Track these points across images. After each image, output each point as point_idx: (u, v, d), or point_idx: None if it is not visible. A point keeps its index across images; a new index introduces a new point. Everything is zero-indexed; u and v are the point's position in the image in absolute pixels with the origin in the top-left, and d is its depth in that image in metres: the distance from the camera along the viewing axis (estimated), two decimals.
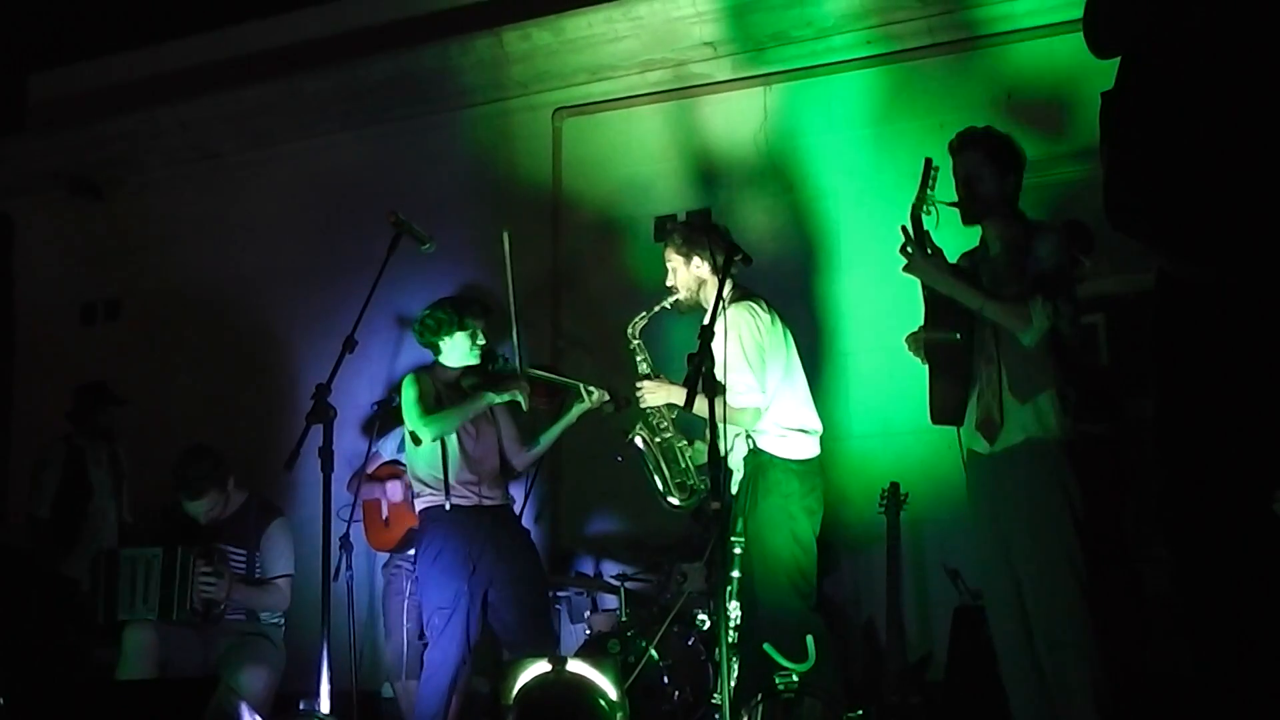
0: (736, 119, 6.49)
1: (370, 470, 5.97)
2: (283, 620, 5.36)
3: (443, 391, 5.08)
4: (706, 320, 3.88)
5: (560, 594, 5.91)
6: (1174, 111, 2.26)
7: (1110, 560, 4.28)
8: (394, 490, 5.86)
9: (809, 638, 4.12)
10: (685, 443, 4.82)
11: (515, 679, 4.21)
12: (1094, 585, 3.82)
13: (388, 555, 5.98)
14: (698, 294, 4.75)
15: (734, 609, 4.02)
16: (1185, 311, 2.32)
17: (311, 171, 7.50)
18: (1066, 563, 3.82)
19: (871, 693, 5.15)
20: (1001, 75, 5.94)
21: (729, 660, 3.68)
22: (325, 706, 4.17)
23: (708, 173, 6.52)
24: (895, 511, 5.21)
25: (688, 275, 4.77)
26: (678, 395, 4.51)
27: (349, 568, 5.46)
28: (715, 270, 4.61)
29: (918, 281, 4.17)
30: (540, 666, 4.22)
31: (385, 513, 5.92)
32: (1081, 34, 2.48)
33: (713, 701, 3.84)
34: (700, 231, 4.80)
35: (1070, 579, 3.81)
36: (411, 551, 5.52)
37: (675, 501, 4.79)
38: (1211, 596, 2.28)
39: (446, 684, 4.91)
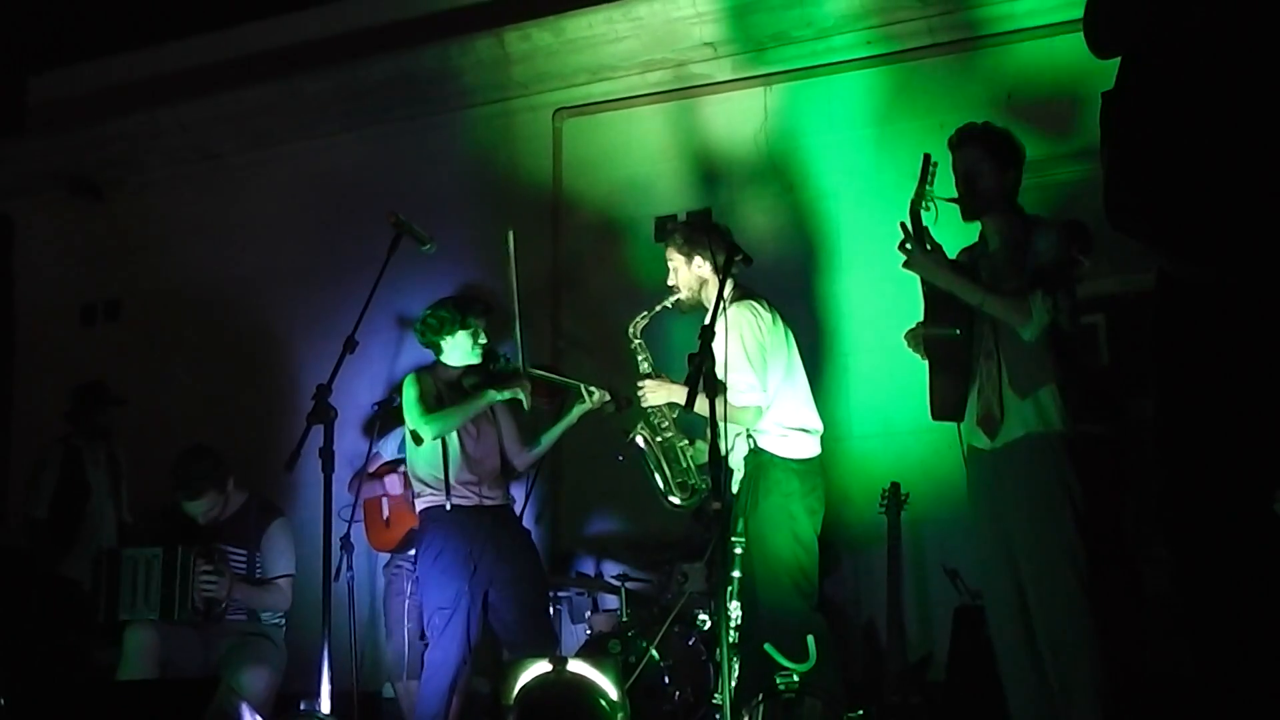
0: (737, 119, 6.49)
1: (371, 470, 5.97)
2: (284, 620, 5.36)
3: (444, 391, 5.09)
4: (707, 320, 3.88)
5: (561, 594, 5.91)
6: (1174, 112, 2.26)
7: (1110, 560, 4.27)
8: (393, 484, 5.86)
9: (810, 638, 4.11)
10: (686, 442, 4.82)
11: (516, 679, 4.21)
12: (1095, 582, 3.82)
13: (389, 556, 5.99)
14: (699, 294, 4.76)
15: (735, 609, 4.01)
16: (1185, 311, 2.32)
17: (312, 172, 7.50)
18: (1067, 558, 3.82)
19: (872, 693, 5.15)
20: (1002, 75, 5.94)
21: (730, 660, 3.68)
22: (326, 707, 4.17)
23: (708, 173, 6.53)
24: (896, 511, 5.21)
25: (689, 275, 4.77)
26: (679, 395, 4.51)
27: (350, 568, 5.47)
28: (716, 270, 4.61)
29: (918, 279, 4.17)
30: (541, 667, 4.22)
31: (386, 513, 5.92)
32: (1082, 34, 2.48)
33: (713, 701, 3.84)
34: (701, 231, 4.80)
35: (1071, 574, 3.81)
36: (412, 552, 5.52)
37: (676, 501, 4.79)
38: (1211, 596, 2.28)
39: (447, 684, 4.91)
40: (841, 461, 5.53)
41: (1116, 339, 5.52)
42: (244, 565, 5.25)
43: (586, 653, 5.18)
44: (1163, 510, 2.34)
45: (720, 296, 4.29)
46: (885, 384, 5.72)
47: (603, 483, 6.16)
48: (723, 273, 4.42)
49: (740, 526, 4.24)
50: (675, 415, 4.81)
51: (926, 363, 4.23)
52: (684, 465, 4.80)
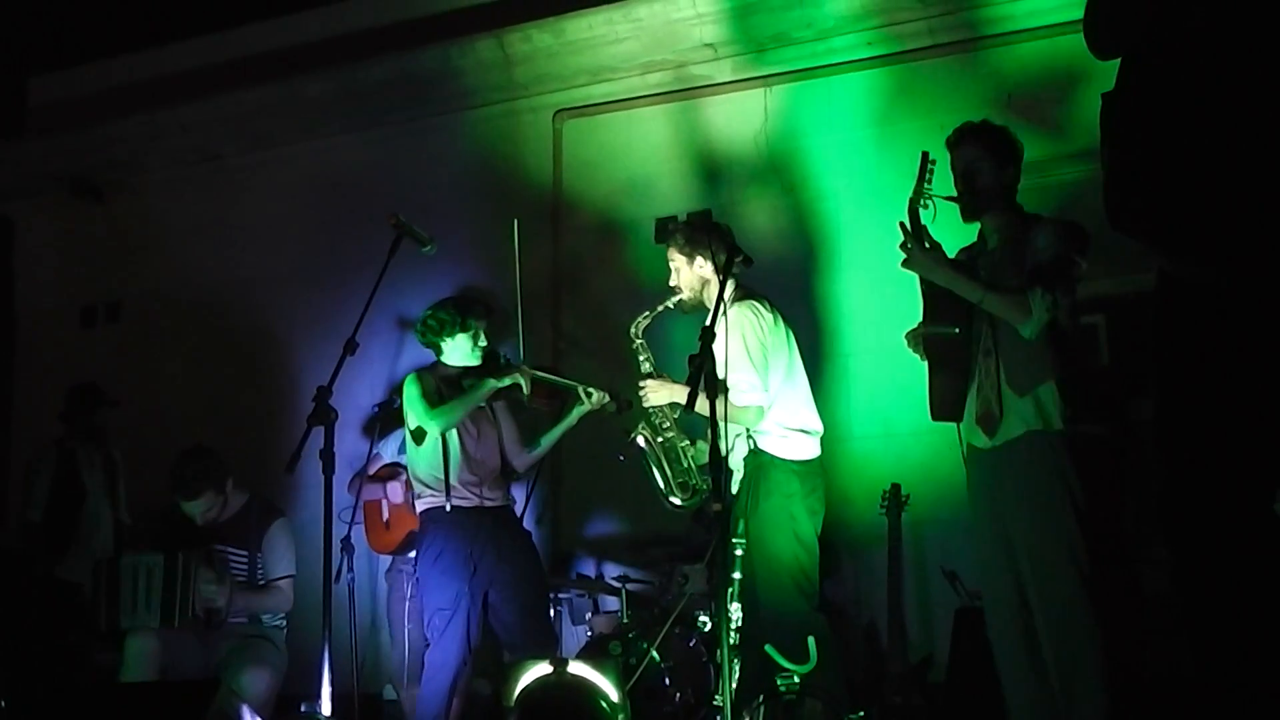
0: (737, 120, 6.50)
1: (371, 472, 5.97)
2: (284, 622, 5.36)
3: (444, 389, 5.08)
4: (708, 321, 3.89)
5: (561, 595, 5.91)
6: (1174, 112, 2.26)
7: (1110, 560, 4.27)
8: (395, 491, 5.86)
9: (810, 639, 4.11)
10: (687, 442, 4.82)
11: (517, 680, 4.21)
12: (1095, 580, 3.82)
13: (389, 560, 5.99)
14: (701, 294, 4.76)
15: (735, 610, 4.01)
16: (1185, 312, 2.32)
17: (312, 173, 7.51)
18: (1068, 556, 3.81)
19: (873, 694, 5.15)
20: (1002, 76, 5.95)
21: (730, 661, 3.68)
22: (326, 708, 4.17)
23: (709, 174, 6.53)
24: (896, 513, 5.21)
25: (691, 275, 4.77)
26: (680, 395, 4.52)
27: (350, 569, 5.46)
28: (718, 271, 4.60)
29: (917, 280, 4.17)
30: (542, 668, 4.22)
31: (386, 514, 5.92)
32: (1082, 35, 2.48)
33: (714, 703, 3.83)
34: (703, 231, 4.80)
35: (1072, 572, 3.80)
36: (412, 554, 5.52)
37: (677, 501, 4.79)
38: (1211, 596, 2.28)
39: (447, 686, 4.91)
40: (842, 463, 5.53)
41: (1116, 339, 5.52)
42: (245, 566, 5.25)
43: (587, 654, 5.18)
44: (1163, 510, 2.34)
45: (721, 297, 4.30)
46: (886, 385, 5.72)
47: (603, 484, 6.17)
48: (724, 273, 4.42)
49: (741, 528, 4.23)
50: (676, 415, 4.80)
51: (926, 363, 4.23)
52: (685, 465, 4.80)
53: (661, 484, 4.79)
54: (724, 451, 3.76)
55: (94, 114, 7.95)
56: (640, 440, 4.79)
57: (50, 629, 6.20)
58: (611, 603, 5.78)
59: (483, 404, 5.14)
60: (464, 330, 5.14)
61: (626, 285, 6.36)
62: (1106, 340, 5.55)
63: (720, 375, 4.11)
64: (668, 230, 5.28)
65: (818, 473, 4.63)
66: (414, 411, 5.03)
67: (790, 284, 5.90)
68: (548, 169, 6.92)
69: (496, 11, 6.95)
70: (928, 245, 4.07)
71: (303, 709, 4.48)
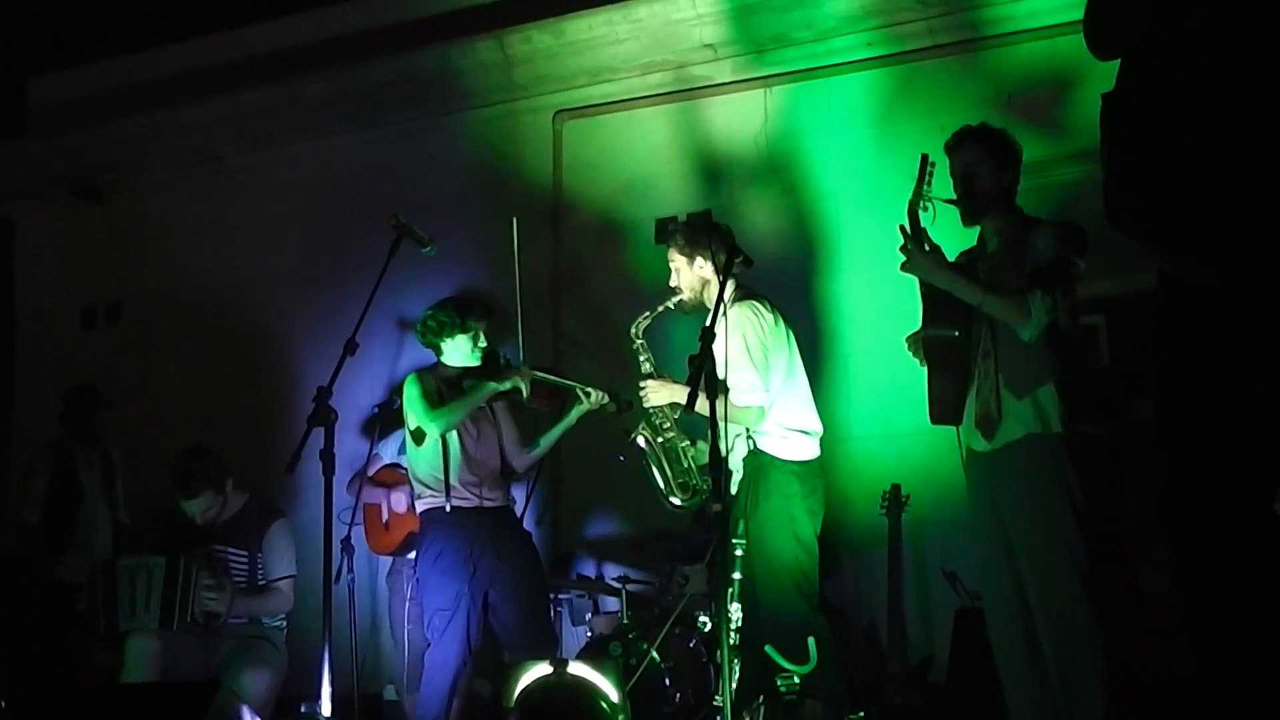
0: (737, 121, 6.50)
1: (371, 473, 5.96)
2: (285, 623, 5.36)
3: (444, 389, 5.09)
4: (708, 321, 3.89)
5: (562, 596, 5.91)
6: (1174, 113, 2.26)
7: (1110, 560, 4.27)
8: (398, 501, 5.85)
9: (810, 639, 4.11)
10: (687, 443, 4.82)
11: (517, 681, 4.21)
12: (1095, 581, 3.82)
13: (390, 562, 5.98)
14: (701, 294, 4.76)
15: (735, 611, 4.01)
16: (1185, 312, 2.32)
17: (312, 174, 7.51)
18: (1068, 557, 3.81)
19: (873, 694, 5.15)
20: (1002, 76, 5.94)
21: (730, 662, 3.68)
22: (327, 709, 4.17)
23: (709, 174, 6.53)
24: (896, 513, 5.21)
25: (691, 276, 4.78)
26: (680, 395, 4.52)
27: (350, 570, 5.45)
28: (718, 271, 4.60)
29: (917, 282, 4.17)
30: (542, 669, 4.22)
31: (385, 516, 5.92)
32: (1082, 35, 2.48)
33: (714, 703, 3.83)
34: (703, 232, 4.80)
35: (1072, 573, 3.80)
36: (412, 555, 5.52)
37: (677, 502, 4.79)
38: (1211, 596, 2.28)
39: (447, 686, 4.91)
40: (842, 463, 5.53)
41: (1116, 339, 5.52)
42: (245, 567, 5.25)
43: (587, 654, 5.18)
44: (1163, 510, 2.34)
45: (721, 297, 4.30)
46: (886, 385, 5.72)
47: (603, 484, 6.16)
48: (724, 274, 4.42)
49: (741, 528, 4.23)
50: (677, 416, 4.81)
51: (925, 367, 4.23)
52: (685, 466, 4.80)
53: (661, 484, 4.79)
54: (724, 452, 3.76)
55: (94, 114, 7.95)
56: (640, 440, 4.80)
57: (50, 629, 6.20)
58: (611, 603, 5.78)
59: (482, 404, 5.14)
60: (464, 331, 5.14)
61: (626, 286, 6.35)
62: (1106, 340, 5.55)
63: (720, 375, 4.11)
64: (668, 231, 5.28)
65: (817, 473, 4.63)
66: (414, 412, 5.03)
67: (790, 284, 5.90)
68: (548, 170, 6.92)
69: (496, 12, 6.95)
70: (927, 248, 4.07)
71: (303, 709, 4.48)
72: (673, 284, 4.84)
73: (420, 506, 5.11)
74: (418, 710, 5.01)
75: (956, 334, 4.08)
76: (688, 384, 3.92)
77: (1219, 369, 2.27)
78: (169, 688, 4.76)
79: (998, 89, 5.90)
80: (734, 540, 4.13)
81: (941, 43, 6.10)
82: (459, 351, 5.17)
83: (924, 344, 4.19)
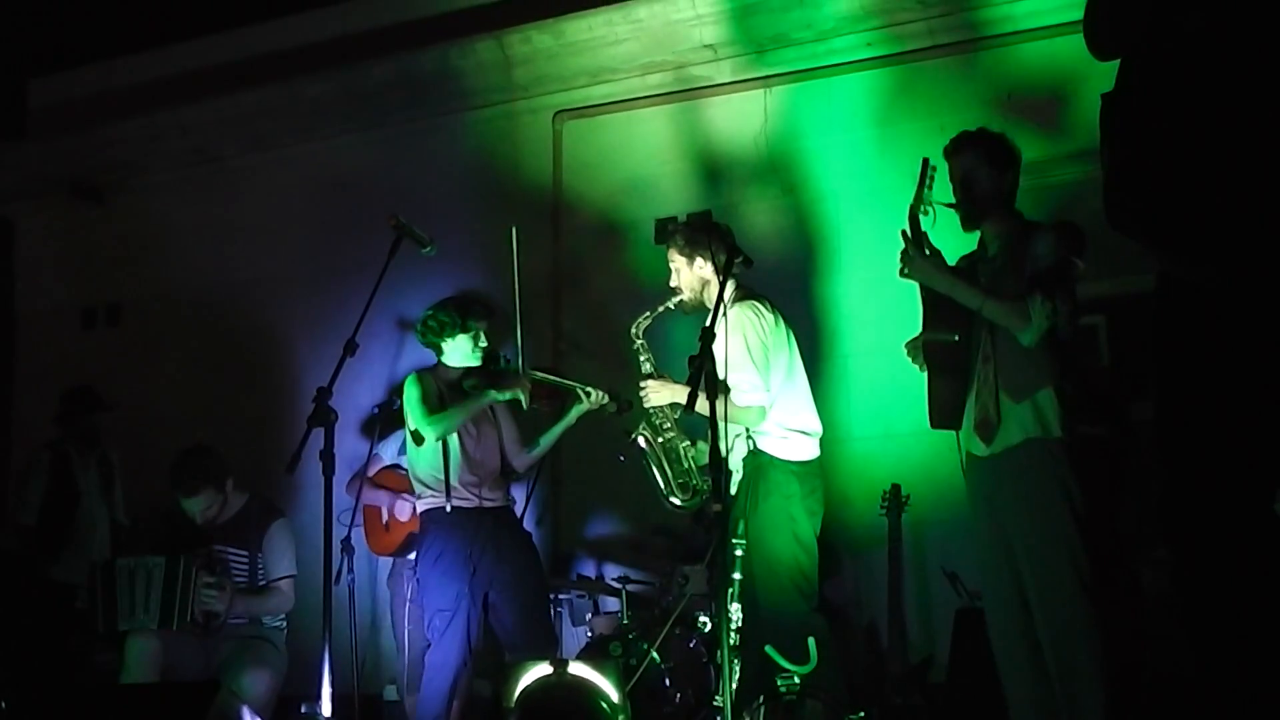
0: (737, 121, 6.50)
1: (371, 473, 5.96)
2: (285, 623, 5.36)
3: (445, 392, 5.09)
4: (708, 322, 3.89)
5: (562, 596, 5.91)
6: (1174, 113, 2.26)
7: (1109, 560, 4.28)
8: (402, 509, 5.85)
9: (810, 639, 4.11)
10: (688, 443, 4.83)
11: (517, 681, 4.21)
12: (1095, 582, 3.82)
13: (391, 564, 5.98)
14: (701, 295, 4.76)
15: (735, 611, 4.02)
16: (1185, 312, 2.32)
17: (312, 175, 7.51)
18: (1068, 558, 3.82)
19: (873, 694, 5.15)
20: (1002, 76, 5.94)
21: (731, 662, 3.68)
22: (327, 709, 4.17)
23: (709, 175, 6.53)
24: (897, 513, 5.21)
25: (691, 276, 4.78)
26: (681, 395, 4.51)
27: (350, 571, 5.45)
28: (718, 271, 4.61)
29: (917, 285, 4.17)
30: (542, 669, 4.22)
31: (386, 517, 5.92)
32: (1081, 35, 2.48)
33: (714, 704, 3.83)
34: (702, 232, 4.80)
35: (1071, 574, 3.81)
36: (413, 556, 5.51)
37: (677, 502, 4.79)
38: (1212, 597, 2.28)
39: (447, 686, 4.91)
40: (842, 463, 5.53)
41: (1116, 340, 5.52)
42: (245, 567, 5.25)
43: (587, 655, 5.18)
44: (1163, 511, 2.34)
45: (721, 298, 4.30)
46: (886, 386, 5.71)
47: (604, 484, 6.16)
48: (723, 274, 4.43)
49: (741, 528, 4.24)
50: (677, 416, 4.81)
51: (925, 371, 4.23)
52: (685, 466, 4.80)
53: (662, 484, 4.79)
54: (724, 452, 3.76)
55: (94, 116, 7.95)
56: (641, 441, 4.80)
57: (49, 630, 6.19)
58: (612, 603, 5.77)
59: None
60: (464, 331, 5.14)
61: (627, 286, 6.35)
62: (1106, 341, 5.55)
63: (721, 376, 4.12)
64: (667, 231, 5.29)
65: (817, 474, 4.63)
66: (412, 415, 5.03)
67: (790, 284, 5.90)
68: (548, 170, 6.92)
69: (496, 13, 6.95)
70: (928, 252, 4.08)
71: (303, 710, 4.48)
72: (673, 284, 4.84)
73: (420, 507, 5.11)
74: (418, 710, 5.01)
75: (956, 338, 4.08)
76: (688, 384, 3.92)
77: (1219, 369, 2.27)
78: (169, 688, 4.76)
79: (997, 89, 5.90)
80: (734, 540, 4.14)
81: (941, 43, 6.09)
82: (460, 351, 5.17)
83: (924, 348, 4.19)
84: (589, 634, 5.67)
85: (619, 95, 6.80)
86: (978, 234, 4.24)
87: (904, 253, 4.08)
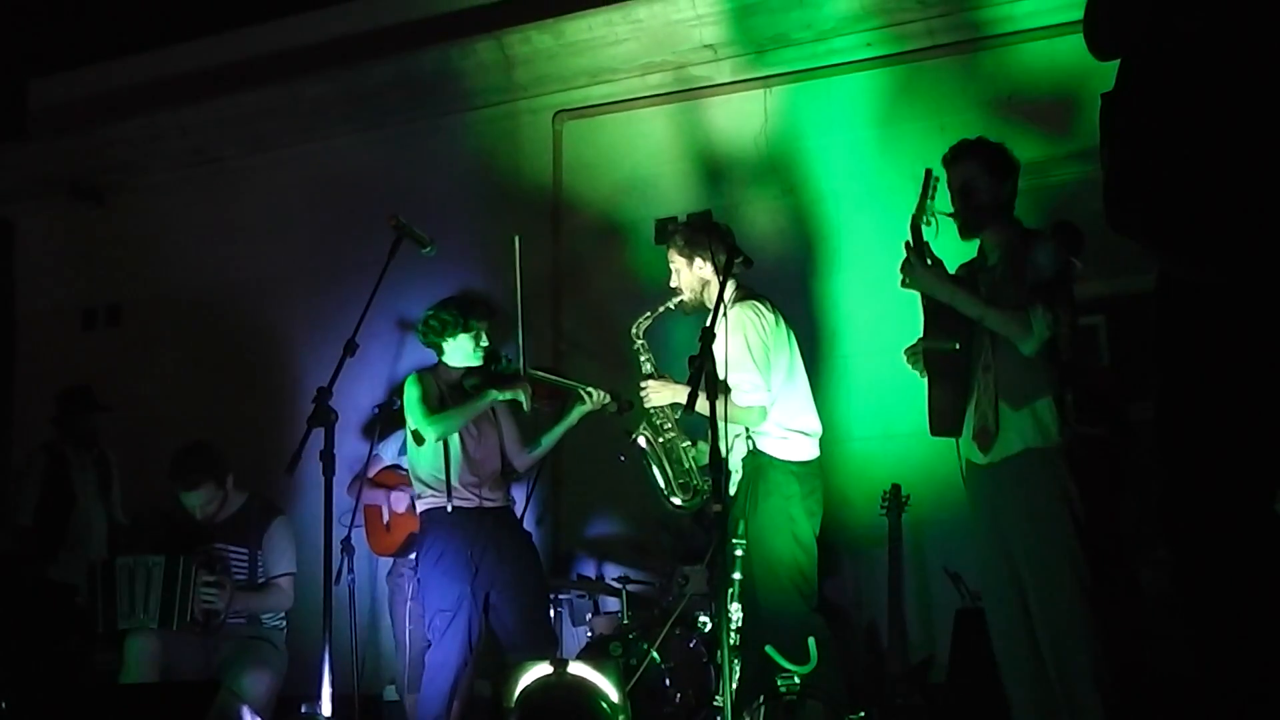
0: (737, 121, 6.50)
1: (371, 474, 5.97)
2: (285, 622, 5.36)
3: (445, 392, 5.09)
4: (708, 322, 3.89)
5: (562, 596, 5.91)
6: (1174, 113, 2.26)
7: (1108, 560, 4.28)
8: (399, 501, 5.85)
9: (810, 639, 4.12)
10: (688, 443, 4.83)
11: (517, 681, 4.21)
12: (1094, 583, 3.83)
13: (391, 563, 5.98)
14: (701, 295, 4.76)
15: (735, 611, 4.02)
16: (1186, 313, 2.32)
17: (312, 175, 7.51)
18: (1067, 560, 3.83)
19: (874, 694, 5.15)
20: (1002, 77, 5.95)
21: (731, 662, 3.68)
22: (327, 709, 4.17)
23: (709, 175, 6.53)
24: (897, 513, 5.22)
25: (691, 276, 4.78)
26: (681, 395, 4.51)
27: (350, 571, 5.45)
28: (718, 271, 4.61)
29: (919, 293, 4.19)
30: (542, 669, 4.22)
31: (386, 517, 5.92)
32: (1081, 35, 2.48)
33: (714, 704, 3.83)
34: (702, 232, 4.80)
35: (1070, 575, 3.82)
36: (413, 556, 5.52)
37: (678, 502, 4.79)
38: (1212, 597, 2.28)
39: (448, 686, 4.91)
40: (842, 464, 5.53)
41: (1117, 340, 5.52)
42: (245, 565, 5.25)
43: (588, 655, 5.17)
44: (1164, 511, 2.34)
45: (721, 298, 4.30)
46: (885, 386, 5.71)
47: (604, 485, 6.16)
48: (723, 274, 4.43)
49: (740, 529, 4.24)
50: (677, 416, 4.81)
51: (925, 378, 4.23)
52: (686, 466, 4.80)
53: (662, 484, 4.79)
54: (724, 452, 3.76)
55: (94, 116, 7.96)
56: (641, 441, 4.80)
57: (48, 630, 6.19)
58: (612, 603, 5.77)
59: None
60: (466, 331, 5.14)
61: (627, 286, 6.35)
62: (1106, 340, 5.55)
63: (721, 376, 4.12)
64: (667, 231, 5.29)
65: (816, 474, 4.64)
66: (413, 415, 5.03)
67: (790, 285, 5.90)
68: (548, 170, 6.92)
69: (496, 13, 6.95)
70: (929, 262, 4.08)
71: (303, 710, 4.48)
72: (673, 285, 4.84)
73: (421, 507, 5.11)
74: (418, 710, 5.01)
75: (957, 346, 4.09)
76: (688, 384, 3.92)
77: (1219, 370, 2.27)
78: (169, 688, 4.76)
79: (998, 89, 5.91)
80: (734, 541, 4.14)
81: (941, 43, 6.10)
82: (461, 351, 5.17)
83: (924, 356, 4.20)
84: (589, 634, 5.67)
85: (619, 95, 6.80)
86: (976, 242, 4.25)
87: (905, 262, 4.09)
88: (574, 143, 6.92)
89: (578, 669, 4.21)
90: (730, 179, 6.46)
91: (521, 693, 4.18)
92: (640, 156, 6.71)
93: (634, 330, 4.86)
